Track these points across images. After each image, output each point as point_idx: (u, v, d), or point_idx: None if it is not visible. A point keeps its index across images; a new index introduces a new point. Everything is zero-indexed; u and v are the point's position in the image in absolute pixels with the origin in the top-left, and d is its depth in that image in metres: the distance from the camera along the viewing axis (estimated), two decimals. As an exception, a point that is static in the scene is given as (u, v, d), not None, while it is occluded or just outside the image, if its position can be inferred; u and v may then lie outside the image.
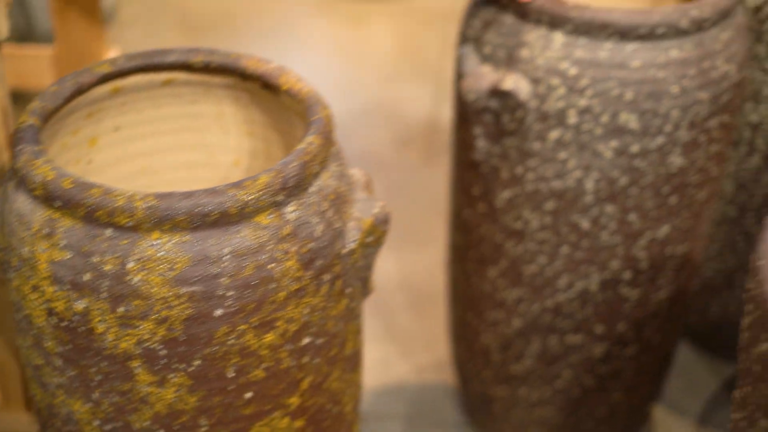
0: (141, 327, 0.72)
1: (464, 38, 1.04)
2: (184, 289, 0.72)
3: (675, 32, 0.95)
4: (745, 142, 1.19)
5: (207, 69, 0.91)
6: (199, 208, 0.71)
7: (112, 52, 1.36)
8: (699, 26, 0.96)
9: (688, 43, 0.96)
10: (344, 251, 0.81)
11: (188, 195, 0.71)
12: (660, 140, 0.98)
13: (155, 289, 0.71)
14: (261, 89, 0.91)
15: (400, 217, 1.59)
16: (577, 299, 1.08)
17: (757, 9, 1.10)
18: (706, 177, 1.04)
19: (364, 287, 0.87)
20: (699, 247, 1.11)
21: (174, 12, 2.29)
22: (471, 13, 1.04)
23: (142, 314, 0.72)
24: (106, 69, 0.88)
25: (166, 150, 0.97)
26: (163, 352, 0.74)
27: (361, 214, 0.83)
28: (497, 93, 0.98)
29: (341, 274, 0.81)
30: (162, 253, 0.71)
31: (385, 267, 1.54)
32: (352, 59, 2.10)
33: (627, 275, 1.07)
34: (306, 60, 2.12)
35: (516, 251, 1.07)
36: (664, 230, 1.05)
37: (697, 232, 1.09)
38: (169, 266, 0.71)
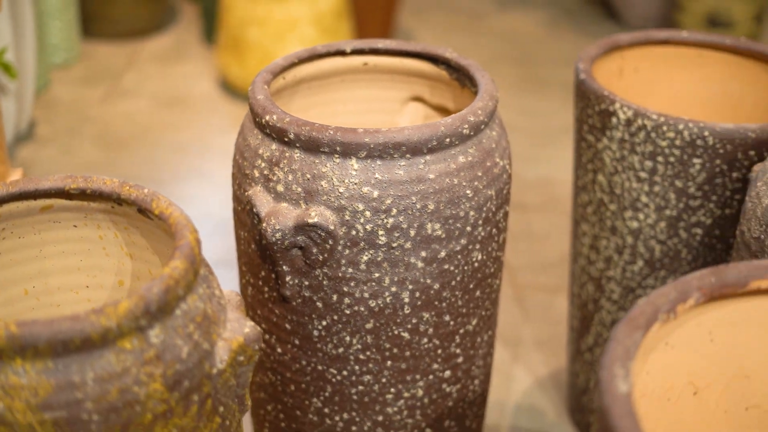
0: (6, 454, 0.73)
1: (249, 180, 1.04)
2: (48, 415, 0.73)
3: (459, 139, 1.00)
4: (628, 248, 1.23)
5: (84, 195, 0.93)
6: (61, 335, 0.72)
7: (15, 174, 1.38)
8: (477, 130, 1.02)
9: (471, 147, 1.01)
10: (214, 371, 0.82)
11: (49, 323, 0.73)
12: (463, 241, 1.03)
13: (20, 416, 0.73)
14: (137, 213, 0.93)
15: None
16: (406, 408, 1.10)
17: (629, 121, 1.15)
18: (498, 265, 1.11)
19: (241, 405, 0.88)
20: (495, 330, 1.18)
21: (91, 129, 2.29)
22: (250, 154, 1.04)
23: (7, 441, 0.73)
24: (-23, 199, 0.90)
25: (49, 274, 0.99)
26: (29, 479, 0.74)
27: (231, 334, 0.85)
28: (303, 227, 0.98)
29: (211, 393, 0.82)
30: (25, 380, 0.73)
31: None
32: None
33: (447, 374, 1.10)
34: (222, 170, 2.14)
35: (340, 376, 1.08)
36: (472, 323, 1.10)
37: (494, 319, 1.16)
38: (32, 393, 0.73)
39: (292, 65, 1.14)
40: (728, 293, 0.80)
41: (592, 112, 1.22)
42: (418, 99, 1.21)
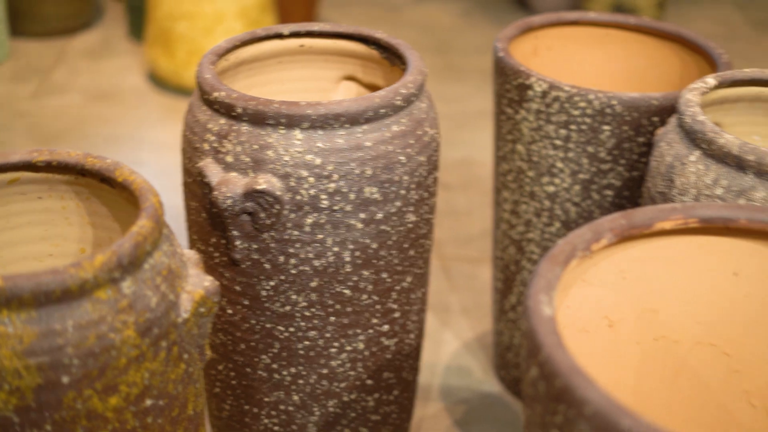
0: (-5, 397, 0.81)
1: (199, 153, 1.11)
2: (32, 360, 0.80)
3: (393, 110, 1.10)
4: (546, 211, 1.33)
5: (49, 167, 1.00)
6: (43, 287, 0.80)
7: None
8: (408, 101, 1.11)
9: (404, 117, 1.11)
10: (179, 320, 0.91)
11: (32, 275, 0.80)
12: (398, 204, 1.12)
13: (6, 362, 0.80)
14: (100, 183, 1.01)
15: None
16: (349, 361, 1.20)
17: (544, 93, 1.26)
18: (429, 226, 1.21)
19: (201, 354, 0.97)
20: (427, 288, 1.28)
21: (23, 124, 2.33)
22: (199, 129, 1.11)
23: (-5, 386, 0.80)
24: (-55, 174, 0.97)
25: (15, 244, 1.06)
26: (16, 419, 0.82)
27: (193, 287, 0.93)
28: (252, 194, 1.06)
29: (177, 341, 0.91)
30: (11, 329, 0.79)
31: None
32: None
33: (385, 328, 1.20)
34: (157, 160, 2.20)
35: (287, 333, 1.16)
36: (407, 280, 1.19)
37: (426, 277, 1.25)
38: (18, 340, 0.80)
39: (235, 47, 1.22)
40: (636, 234, 0.91)
41: (510, 87, 1.33)
42: (351, 78, 1.31)
